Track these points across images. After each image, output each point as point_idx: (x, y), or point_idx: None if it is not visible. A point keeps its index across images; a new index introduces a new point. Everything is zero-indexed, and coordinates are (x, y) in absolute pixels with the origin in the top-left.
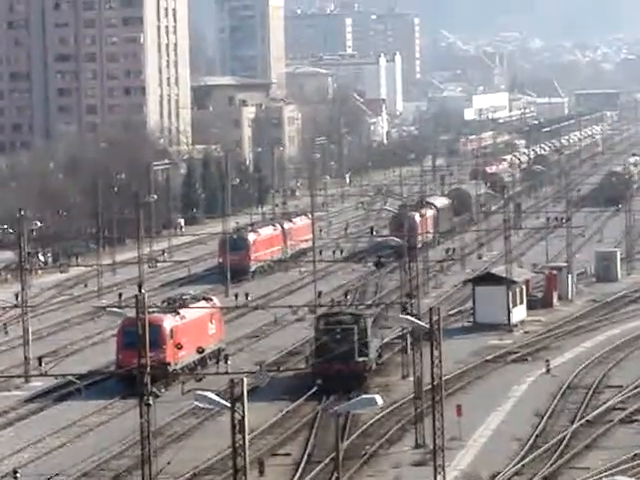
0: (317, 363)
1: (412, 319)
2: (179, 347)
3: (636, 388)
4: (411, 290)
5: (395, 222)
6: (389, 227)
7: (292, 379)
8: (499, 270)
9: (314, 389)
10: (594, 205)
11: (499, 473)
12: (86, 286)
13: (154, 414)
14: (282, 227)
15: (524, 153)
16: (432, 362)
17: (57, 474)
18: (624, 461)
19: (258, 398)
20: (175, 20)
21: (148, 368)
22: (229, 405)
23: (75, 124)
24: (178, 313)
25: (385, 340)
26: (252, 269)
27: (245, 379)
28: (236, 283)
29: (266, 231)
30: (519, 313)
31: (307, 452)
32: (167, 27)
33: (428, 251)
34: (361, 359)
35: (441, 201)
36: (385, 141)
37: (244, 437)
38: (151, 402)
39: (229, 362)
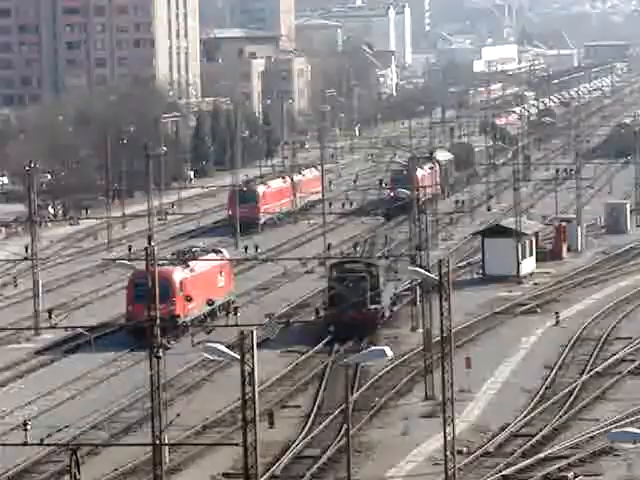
0: (330, 311)
1: (421, 271)
2: (189, 299)
3: None
4: (420, 242)
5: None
6: (389, 182)
7: (302, 331)
8: (508, 222)
9: (328, 338)
10: (603, 157)
11: (508, 425)
12: (96, 239)
13: (164, 366)
14: (291, 179)
15: (533, 105)
16: (441, 314)
17: (67, 426)
18: (633, 412)
19: (268, 350)
20: None
21: (158, 320)
22: (239, 357)
23: (84, 77)
24: (188, 266)
25: (399, 289)
26: (261, 221)
27: (255, 331)
28: (245, 235)
29: (275, 183)
30: (528, 265)
31: (317, 404)
32: None
33: (437, 204)
34: (373, 307)
35: (444, 155)
36: (394, 93)
37: (254, 389)
38: (161, 354)
39: (239, 314)
